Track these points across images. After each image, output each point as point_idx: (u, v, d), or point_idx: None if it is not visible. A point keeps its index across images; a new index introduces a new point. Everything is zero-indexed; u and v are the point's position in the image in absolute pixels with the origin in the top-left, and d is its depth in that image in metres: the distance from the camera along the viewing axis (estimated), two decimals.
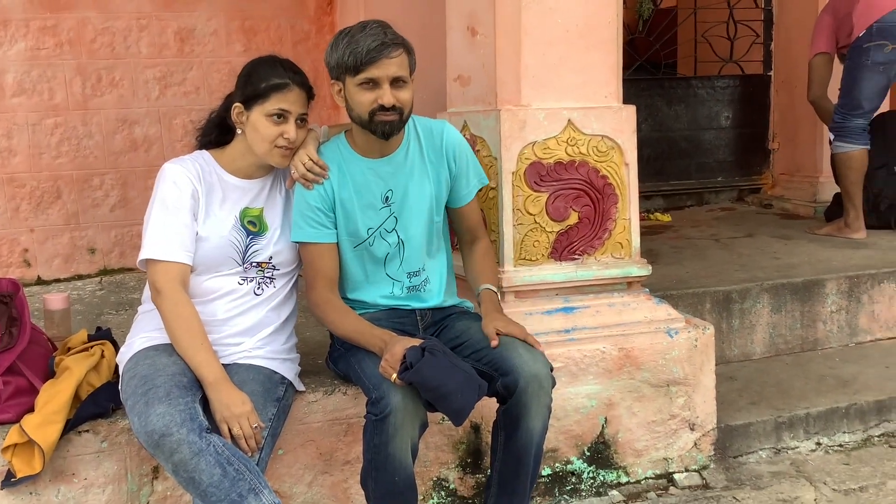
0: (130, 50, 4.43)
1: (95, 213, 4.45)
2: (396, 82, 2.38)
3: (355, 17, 4.34)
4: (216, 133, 2.56)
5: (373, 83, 2.36)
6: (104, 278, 4.39)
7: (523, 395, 2.31)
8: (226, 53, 4.60)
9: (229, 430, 2.19)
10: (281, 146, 2.42)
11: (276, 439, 2.37)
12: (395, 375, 2.18)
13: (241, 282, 2.45)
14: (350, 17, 4.50)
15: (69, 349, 2.61)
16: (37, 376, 2.45)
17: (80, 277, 4.41)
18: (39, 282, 4.33)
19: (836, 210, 4.81)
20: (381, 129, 2.41)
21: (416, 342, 2.24)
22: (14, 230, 4.31)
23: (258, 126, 2.41)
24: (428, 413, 2.27)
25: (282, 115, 2.40)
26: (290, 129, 2.41)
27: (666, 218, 5.28)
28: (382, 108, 2.37)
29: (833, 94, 4.69)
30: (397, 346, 2.22)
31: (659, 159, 5.62)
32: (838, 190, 4.77)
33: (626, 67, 3.56)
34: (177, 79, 4.52)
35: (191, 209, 2.38)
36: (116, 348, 2.62)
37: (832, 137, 4.58)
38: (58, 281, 4.37)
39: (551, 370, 2.38)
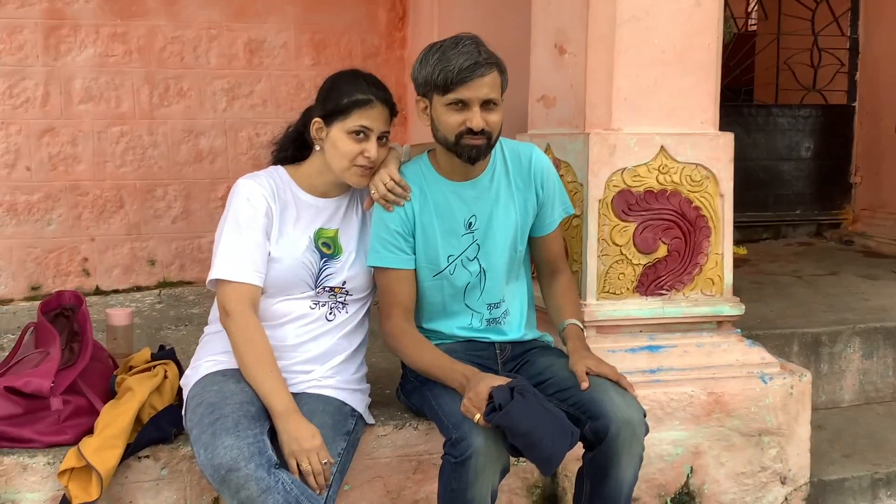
0: (199, 60, 4.36)
1: (157, 225, 4.37)
2: (487, 104, 2.23)
3: (428, 33, 4.22)
4: (292, 148, 2.44)
5: (462, 104, 2.22)
6: (163, 291, 4.31)
7: (614, 443, 2.13)
8: (294, 66, 4.51)
9: (297, 465, 2.05)
10: (360, 165, 2.28)
11: (343, 475, 2.22)
12: (479, 416, 2.02)
13: (313, 306, 2.31)
14: (422, 33, 4.39)
15: (131, 368, 2.50)
16: (97, 396, 2.33)
17: (138, 289, 4.33)
18: (98, 292, 4.26)
19: None
20: (468, 153, 2.26)
21: (503, 380, 2.08)
22: (75, 238, 4.25)
23: (338, 143, 2.28)
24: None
25: (363, 133, 2.27)
26: (371, 147, 2.27)
27: (742, 251, 5.05)
28: (471, 131, 2.22)
29: None
30: (482, 385, 2.06)
31: (735, 189, 5.38)
32: None
33: None
34: (244, 91, 4.44)
35: (264, 228, 2.26)
36: (180, 368, 2.50)
37: None
38: (116, 292, 4.30)
39: (644, 416, 2.20)
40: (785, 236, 5.57)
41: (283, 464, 2.03)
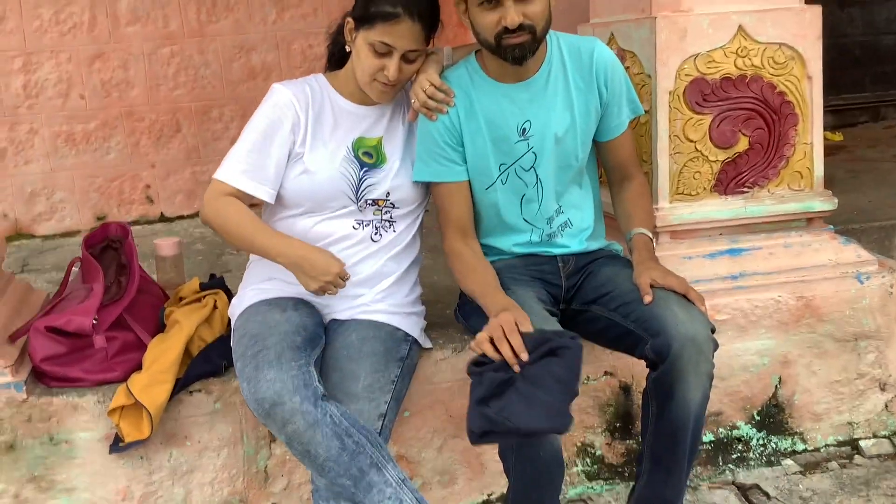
0: None
1: (216, 147, 4.29)
2: None
3: None
4: (337, 53, 2.25)
5: (494, 1, 1.98)
6: None
7: (678, 362, 1.93)
8: None
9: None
10: (381, 81, 2.08)
11: (399, 403, 2.10)
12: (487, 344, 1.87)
13: (357, 226, 2.15)
14: None
15: (181, 299, 2.41)
16: (145, 330, 2.26)
17: None
18: (163, 219, 4.23)
19: None
20: (511, 53, 2.03)
21: (525, 322, 1.89)
22: (135, 166, 4.20)
23: (360, 53, 2.08)
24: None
25: (384, 48, 2.05)
26: (392, 66, 2.05)
27: (837, 137, 4.67)
28: (507, 29, 1.98)
29: None
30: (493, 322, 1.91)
31: (828, 70, 4.94)
32: None
33: None
34: (293, 0, 4.23)
35: (285, 141, 2.10)
36: (230, 297, 2.41)
37: None
38: (181, 218, 4.26)
39: (713, 331, 1.99)
40: (885, 118, 5.15)
41: (330, 395, 1.93)
